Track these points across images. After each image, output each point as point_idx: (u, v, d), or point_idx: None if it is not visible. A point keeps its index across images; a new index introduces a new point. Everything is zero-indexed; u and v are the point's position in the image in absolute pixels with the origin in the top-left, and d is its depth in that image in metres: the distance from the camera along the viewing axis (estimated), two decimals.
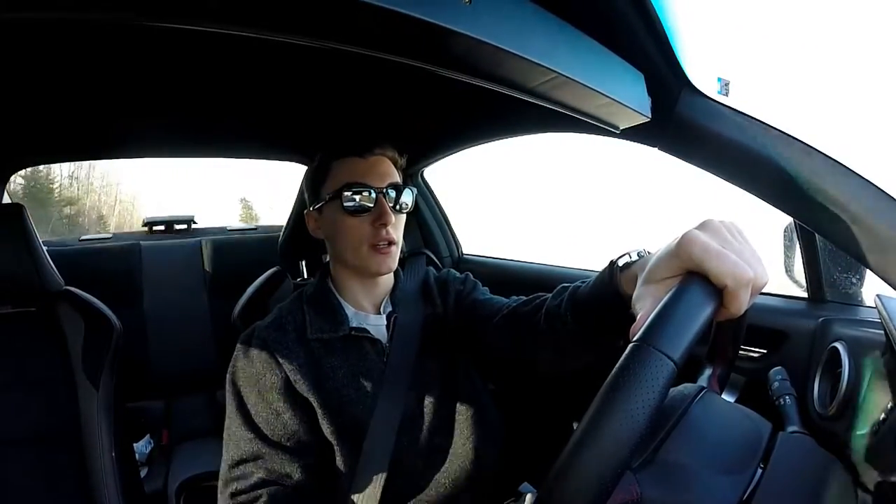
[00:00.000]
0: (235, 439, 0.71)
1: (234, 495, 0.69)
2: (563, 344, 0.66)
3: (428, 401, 0.77)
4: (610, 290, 0.55)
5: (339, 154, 0.77)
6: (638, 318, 0.40)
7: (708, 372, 0.56)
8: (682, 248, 0.39)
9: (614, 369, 0.33)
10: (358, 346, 0.76)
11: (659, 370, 0.32)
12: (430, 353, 0.79)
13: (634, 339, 0.34)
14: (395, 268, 0.79)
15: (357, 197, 0.73)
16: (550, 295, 0.69)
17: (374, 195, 0.74)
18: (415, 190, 0.80)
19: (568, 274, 1.36)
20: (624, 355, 0.34)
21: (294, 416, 0.71)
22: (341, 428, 0.72)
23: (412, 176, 1.51)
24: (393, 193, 0.75)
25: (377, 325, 0.79)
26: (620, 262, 0.54)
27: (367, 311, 0.80)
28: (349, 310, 0.79)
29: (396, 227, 0.76)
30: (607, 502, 0.31)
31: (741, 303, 0.37)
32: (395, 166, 0.79)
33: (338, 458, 0.71)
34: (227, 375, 0.75)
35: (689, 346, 0.34)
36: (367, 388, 0.73)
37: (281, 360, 0.72)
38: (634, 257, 0.53)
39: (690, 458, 0.41)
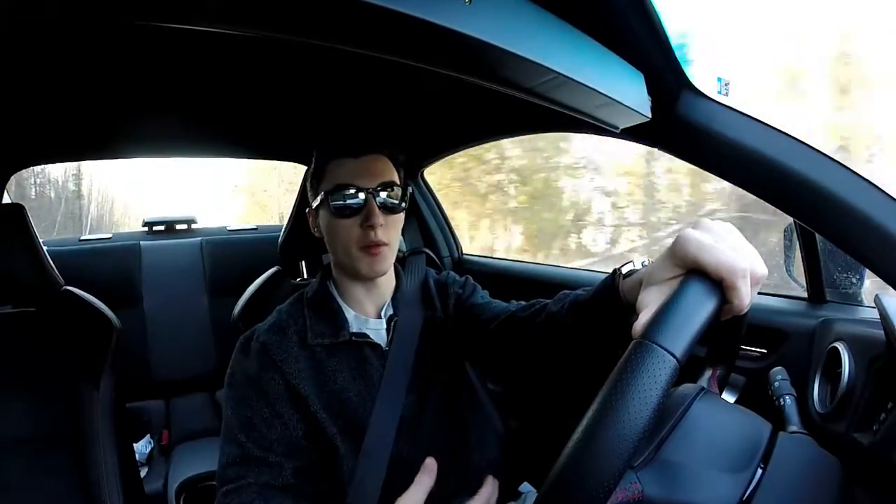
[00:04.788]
0: (233, 440, 0.71)
1: (227, 495, 0.69)
2: (561, 348, 0.66)
3: (427, 403, 0.77)
4: (611, 295, 0.55)
5: (332, 155, 0.75)
6: (639, 317, 0.40)
7: (708, 373, 0.56)
8: (677, 246, 0.40)
9: (616, 366, 0.33)
10: (358, 351, 0.75)
11: (661, 366, 0.32)
12: (430, 355, 0.79)
13: (636, 336, 0.34)
14: (387, 270, 0.77)
15: (344, 198, 0.71)
16: (551, 301, 0.69)
17: (362, 196, 0.71)
18: (410, 188, 0.78)
19: (567, 275, 1.36)
20: (626, 352, 0.34)
21: (293, 419, 0.71)
22: (341, 430, 0.71)
23: (412, 175, 1.51)
24: (384, 193, 0.73)
25: (377, 330, 0.78)
26: (624, 270, 0.55)
27: (368, 315, 0.79)
28: (349, 313, 0.78)
29: (388, 228, 0.73)
30: (610, 501, 0.31)
31: (742, 295, 0.37)
32: (393, 162, 0.77)
33: (337, 460, 0.71)
34: (226, 377, 0.75)
35: (692, 342, 0.34)
36: (368, 391, 0.73)
37: (281, 364, 0.72)
38: (638, 266, 0.54)
39: (691, 457, 0.40)
